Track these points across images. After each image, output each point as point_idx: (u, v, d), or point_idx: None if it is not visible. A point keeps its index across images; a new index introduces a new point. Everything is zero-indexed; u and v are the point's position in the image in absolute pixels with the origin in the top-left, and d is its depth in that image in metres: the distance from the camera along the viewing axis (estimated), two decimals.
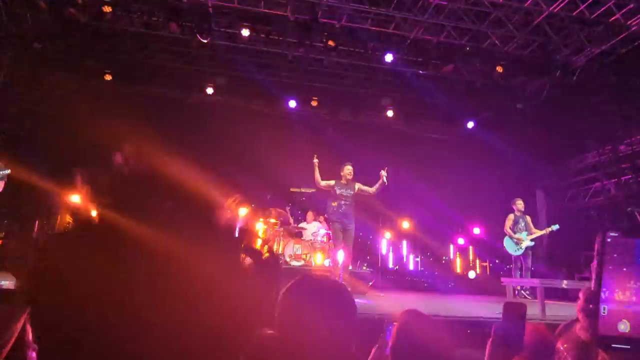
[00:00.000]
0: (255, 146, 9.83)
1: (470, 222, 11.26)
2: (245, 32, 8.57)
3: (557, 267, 9.43)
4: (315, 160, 6.56)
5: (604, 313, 0.54)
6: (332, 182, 6.49)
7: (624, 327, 0.53)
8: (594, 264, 0.56)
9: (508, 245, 7.41)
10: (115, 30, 9.23)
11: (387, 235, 10.90)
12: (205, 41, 8.65)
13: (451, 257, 11.51)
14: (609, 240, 0.56)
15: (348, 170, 6.47)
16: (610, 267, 0.55)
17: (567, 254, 9.35)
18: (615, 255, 0.55)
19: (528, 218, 7.55)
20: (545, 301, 4.96)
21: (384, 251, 10.50)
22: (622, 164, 9.09)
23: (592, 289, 0.56)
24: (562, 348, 0.86)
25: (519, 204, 7.59)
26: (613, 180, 9.28)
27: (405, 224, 10.88)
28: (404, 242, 11.15)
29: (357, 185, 6.48)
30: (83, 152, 8.55)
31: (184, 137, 9.37)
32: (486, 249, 11.30)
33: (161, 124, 9.50)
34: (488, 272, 11.08)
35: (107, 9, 7.90)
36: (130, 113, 9.66)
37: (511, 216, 7.59)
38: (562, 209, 10.88)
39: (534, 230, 7.30)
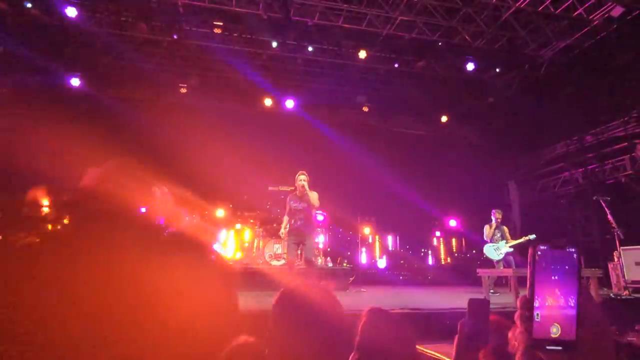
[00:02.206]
0: (232, 146, 9.74)
1: (447, 215, 11.50)
2: (218, 30, 8.45)
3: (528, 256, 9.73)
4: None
5: (537, 319, 0.60)
6: (288, 199, 5.83)
7: (555, 330, 0.59)
8: (528, 274, 0.63)
9: (489, 251, 7.57)
10: (81, 31, 8.96)
11: (366, 230, 11.01)
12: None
13: (429, 249, 11.72)
14: (539, 252, 0.61)
15: (301, 180, 5.58)
16: (540, 277, 0.61)
17: (537, 243, 9.68)
18: (544, 265, 0.61)
19: (505, 228, 7.66)
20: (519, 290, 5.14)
21: (363, 247, 10.61)
22: (589, 154, 9.45)
23: (527, 296, 0.61)
24: (513, 337, 0.92)
25: (496, 216, 7.67)
26: (580, 170, 9.63)
27: (382, 219, 11.01)
28: (383, 237, 11.28)
29: (313, 197, 5.58)
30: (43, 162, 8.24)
31: (156, 139, 9.21)
32: (462, 241, 11.58)
33: (133, 127, 9.31)
34: (465, 263, 11.34)
35: (73, 10, 7.63)
36: (100, 117, 9.45)
37: (489, 227, 7.71)
38: (534, 199, 11.25)
39: (510, 239, 7.49)
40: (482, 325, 1.06)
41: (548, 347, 0.59)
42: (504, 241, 7.49)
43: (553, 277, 0.61)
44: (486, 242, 7.65)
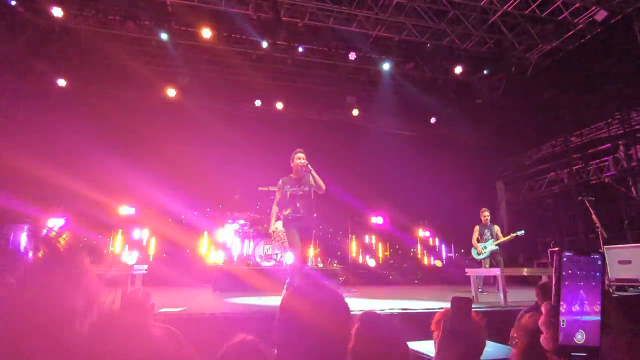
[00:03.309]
0: (222, 146, 9.70)
1: (435, 215, 11.60)
2: (207, 32, 8.39)
3: (515, 255, 9.89)
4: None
5: (563, 325, 0.60)
6: (280, 183, 4.88)
7: (580, 337, 0.60)
8: (553, 281, 0.63)
9: (474, 253, 7.54)
10: (67, 30, 8.82)
11: (355, 230, 11.05)
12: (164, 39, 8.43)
13: (418, 249, 11.82)
14: (564, 259, 0.62)
15: (302, 159, 4.74)
16: (566, 283, 0.61)
17: (525, 241, 9.83)
18: (569, 271, 0.62)
19: (496, 227, 7.52)
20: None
21: (352, 247, 10.65)
22: (574, 154, 9.64)
23: (553, 303, 0.62)
24: (514, 335, 0.96)
25: (483, 215, 7.58)
26: (566, 170, 9.81)
27: (373, 219, 11.07)
28: (372, 237, 11.33)
29: (312, 177, 4.72)
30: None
31: (144, 139, 9.12)
32: (451, 240, 11.70)
33: (121, 127, 9.20)
34: (453, 262, 11.47)
35: (58, 10, 7.50)
36: (86, 117, 9.31)
37: (477, 228, 7.61)
38: (521, 198, 11.43)
39: (501, 237, 7.34)
40: (464, 322, 1.09)
41: (573, 354, 0.59)
42: (492, 240, 7.41)
43: (578, 284, 0.61)
44: (477, 243, 7.59)
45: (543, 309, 0.64)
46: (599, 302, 0.61)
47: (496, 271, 5.19)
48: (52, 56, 9.27)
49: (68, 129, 8.85)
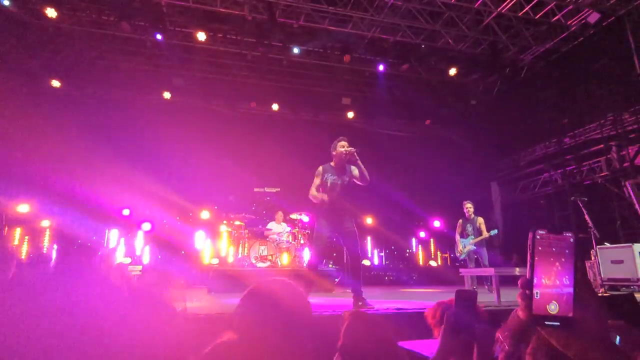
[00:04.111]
0: (217, 147, 9.68)
1: (431, 216, 11.65)
2: (202, 35, 8.37)
3: (509, 255, 9.94)
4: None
5: (536, 297, 0.65)
6: (320, 169, 4.58)
7: (553, 307, 0.64)
8: (528, 256, 0.68)
9: (456, 250, 7.32)
10: (61, 30, 8.78)
11: None
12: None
13: (414, 250, 11.85)
14: (538, 237, 0.67)
15: (343, 146, 4.50)
16: (539, 259, 0.66)
17: (519, 241, 9.90)
18: (543, 248, 0.66)
19: (479, 220, 7.10)
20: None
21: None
22: (567, 155, 9.71)
23: (527, 277, 0.67)
24: (500, 337, 0.97)
25: (465, 208, 7.25)
26: (559, 171, 9.88)
27: (369, 220, 11.09)
28: (368, 238, 11.35)
29: (356, 167, 4.55)
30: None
31: (140, 140, 9.09)
32: (446, 241, 11.74)
33: (116, 128, 9.17)
34: (449, 263, 11.51)
35: (52, 11, 7.45)
36: (81, 117, 9.26)
37: (460, 221, 7.32)
38: (515, 199, 11.50)
39: (483, 231, 6.97)
40: (468, 315, 1.09)
41: (547, 323, 0.64)
42: (472, 237, 7.05)
43: (551, 259, 0.66)
44: (459, 238, 7.32)
45: (518, 283, 0.68)
46: (571, 276, 0.65)
47: (490, 271, 5.21)
48: (46, 56, 9.22)
49: (62, 130, 8.80)
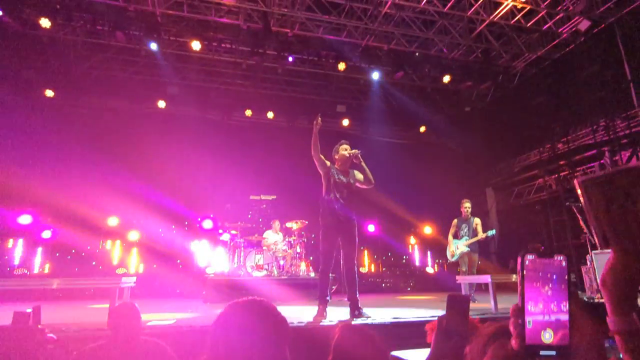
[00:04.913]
0: (213, 156, 9.66)
1: (427, 222, 11.65)
2: (196, 44, 8.38)
3: (505, 261, 9.95)
4: (319, 120, 4.61)
5: (529, 325, 0.61)
6: (328, 163, 4.52)
7: (548, 336, 0.61)
8: (518, 283, 0.65)
9: (448, 251, 6.87)
10: (56, 40, 8.77)
11: None
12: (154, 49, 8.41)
13: (410, 256, 11.84)
14: (527, 262, 0.64)
15: (345, 149, 4.51)
16: (530, 284, 0.63)
17: (514, 247, 9.92)
18: (534, 273, 0.63)
19: (476, 220, 6.72)
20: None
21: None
22: (561, 161, 9.77)
23: (518, 304, 0.64)
24: (468, 352, 0.95)
25: (464, 207, 6.82)
26: (553, 177, 9.94)
27: (364, 226, 11.07)
28: (365, 245, 11.32)
29: (360, 171, 4.52)
30: None
31: (135, 149, 9.05)
32: (443, 247, 11.74)
33: (109, 137, 9.13)
34: (445, 269, 11.50)
35: (46, 21, 7.44)
36: (75, 127, 9.23)
37: (455, 221, 6.89)
38: (510, 205, 11.54)
39: (480, 232, 6.56)
40: (460, 321, 1.07)
41: (542, 353, 0.60)
42: (466, 238, 6.61)
43: (543, 285, 0.63)
44: (451, 239, 6.86)
45: (510, 312, 0.65)
46: (565, 302, 0.62)
47: (486, 278, 5.21)
48: (40, 66, 9.20)
49: (56, 139, 8.77)
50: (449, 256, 6.87)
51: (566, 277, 0.63)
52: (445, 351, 1.08)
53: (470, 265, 6.63)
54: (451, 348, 1.06)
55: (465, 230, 6.72)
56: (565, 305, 0.62)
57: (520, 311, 0.63)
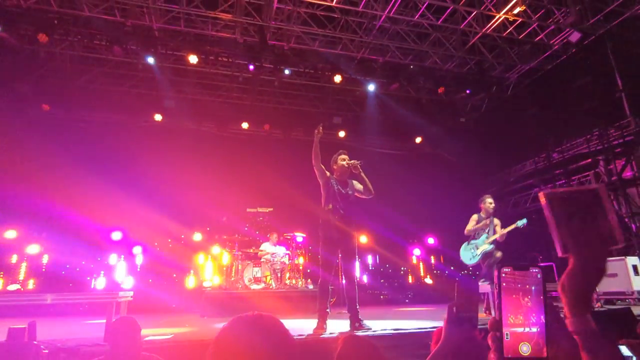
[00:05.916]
0: (209, 169, 9.65)
1: (424, 233, 11.64)
2: (193, 57, 8.44)
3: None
4: (320, 129, 4.53)
5: (507, 338, 0.62)
6: (327, 174, 4.46)
7: (525, 348, 0.61)
8: (494, 296, 0.65)
9: (463, 254, 5.96)
10: (53, 54, 8.81)
11: None
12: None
13: (409, 268, 11.78)
14: (503, 275, 0.65)
15: (344, 159, 4.44)
16: (507, 297, 0.63)
17: (511, 257, 9.91)
18: (510, 285, 0.64)
19: (495, 221, 5.85)
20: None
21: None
22: (556, 170, 9.85)
23: (496, 317, 0.64)
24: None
25: (487, 204, 5.91)
26: (549, 186, 10.00)
27: (363, 239, 11.03)
28: (363, 257, 11.27)
29: (358, 181, 4.50)
30: None
31: (132, 163, 9.03)
32: (441, 258, 11.72)
33: (106, 151, 9.12)
34: (444, 280, 11.45)
35: (43, 36, 7.48)
36: (72, 141, 9.21)
37: (475, 216, 5.94)
38: (508, 214, 11.56)
39: (498, 231, 5.72)
40: (470, 307, 1.05)
41: None
42: (486, 236, 5.75)
43: (519, 297, 0.63)
44: (468, 238, 5.94)
45: (488, 325, 0.65)
46: (541, 315, 0.62)
47: (486, 288, 5.17)
48: (36, 81, 9.21)
49: (52, 153, 8.72)
50: (466, 260, 5.95)
51: (542, 289, 0.64)
52: (456, 337, 1.07)
53: (490, 266, 5.70)
54: (462, 334, 1.05)
55: (488, 229, 5.82)
56: (541, 318, 0.62)
57: (498, 324, 0.63)
